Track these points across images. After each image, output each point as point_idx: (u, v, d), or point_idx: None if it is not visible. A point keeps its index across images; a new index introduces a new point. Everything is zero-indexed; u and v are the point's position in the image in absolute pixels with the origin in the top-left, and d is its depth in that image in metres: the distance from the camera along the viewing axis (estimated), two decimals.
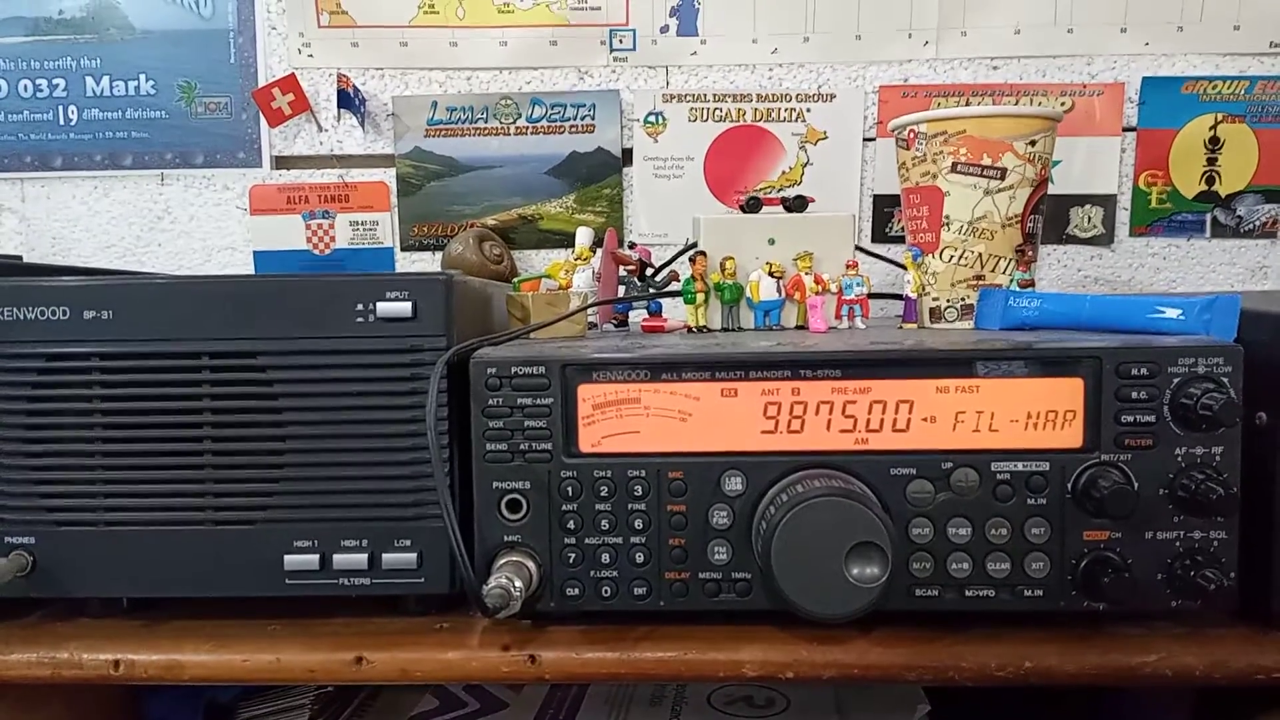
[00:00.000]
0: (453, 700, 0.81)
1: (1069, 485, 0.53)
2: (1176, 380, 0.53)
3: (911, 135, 0.72)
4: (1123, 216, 1.05)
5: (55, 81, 1.10)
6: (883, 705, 0.76)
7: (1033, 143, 0.69)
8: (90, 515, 0.58)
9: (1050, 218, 1.02)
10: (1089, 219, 1.05)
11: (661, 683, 0.79)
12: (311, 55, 1.08)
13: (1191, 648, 0.53)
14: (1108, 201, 1.05)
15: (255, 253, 1.12)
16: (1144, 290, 1.06)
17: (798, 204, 0.77)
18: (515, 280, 0.70)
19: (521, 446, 0.55)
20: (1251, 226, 1.04)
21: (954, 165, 0.70)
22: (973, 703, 0.72)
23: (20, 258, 1.03)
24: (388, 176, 1.10)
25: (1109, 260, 1.06)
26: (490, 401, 0.55)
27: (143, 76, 1.10)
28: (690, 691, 0.79)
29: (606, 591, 0.56)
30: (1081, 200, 1.05)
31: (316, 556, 0.57)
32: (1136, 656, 0.53)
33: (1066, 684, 0.54)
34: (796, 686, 0.77)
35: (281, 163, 1.11)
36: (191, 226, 1.12)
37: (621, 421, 0.55)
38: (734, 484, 0.55)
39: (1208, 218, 1.05)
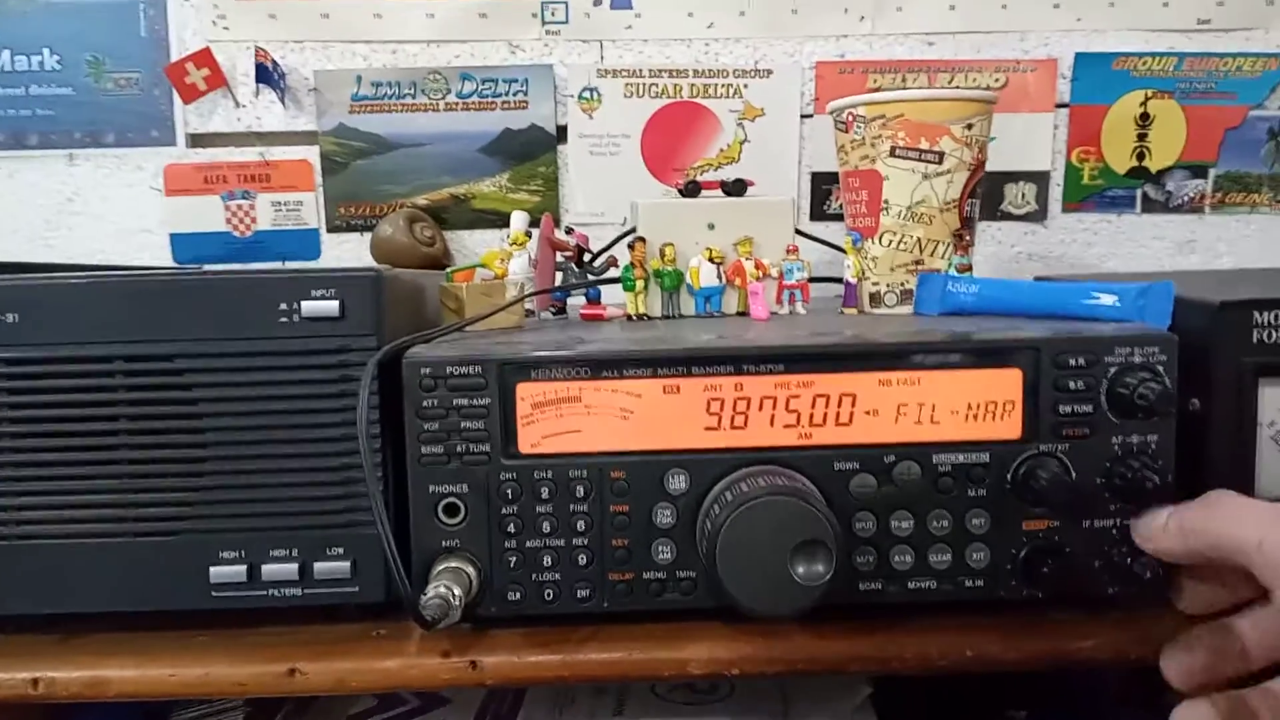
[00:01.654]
0: (392, 698, 0.79)
1: (1008, 476, 0.53)
2: (1113, 370, 0.53)
3: (850, 118, 0.71)
4: (1056, 192, 1.06)
5: None
6: (826, 687, 0.76)
7: (970, 126, 0.69)
8: (1, 529, 0.54)
9: (985, 194, 1.02)
10: (1022, 195, 1.06)
11: None
12: (227, 28, 1.03)
13: (1127, 633, 0.54)
14: (1041, 178, 1.06)
15: (172, 235, 1.07)
16: (1076, 265, 1.07)
17: (737, 188, 0.76)
18: (449, 270, 0.68)
19: (458, 448, 0.53)
20: (1180, 202, 1.06)
21: (892, 149, 0.69)
22: (914, 682, 0.73)
23: None
24: (311, 154, 1.06)
25: (1042, 236, 1.07)
26: (424, 403, 0.53)
27: (47, 51, 1.04)
28: (633, 682, 0.79)
29: (549, 595, 0.54)
30: (1015, 177, 1.05)
31: (244, 567, 0.54)
32: (1075, 642, 0.54)
33: (1008, 670, 0.55)
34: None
35: (197, 141, 1.06)
36: (104, 209, 1.07)
37: (562, 421, 0.54)
38: (677, 482, 0.54)
39: (1138, 193, 1.06)
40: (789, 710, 0.74)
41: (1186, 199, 1.06)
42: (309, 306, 0.53)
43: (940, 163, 0.68)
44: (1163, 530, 0.50)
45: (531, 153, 1.06)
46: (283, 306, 0.53)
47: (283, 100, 1.04)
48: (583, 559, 0.54)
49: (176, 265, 1.06)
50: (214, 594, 0.55)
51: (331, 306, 0.53)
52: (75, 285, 0.54)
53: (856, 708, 0.73)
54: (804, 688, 0.76)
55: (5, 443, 0.54)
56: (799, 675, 0.55)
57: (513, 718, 0.75)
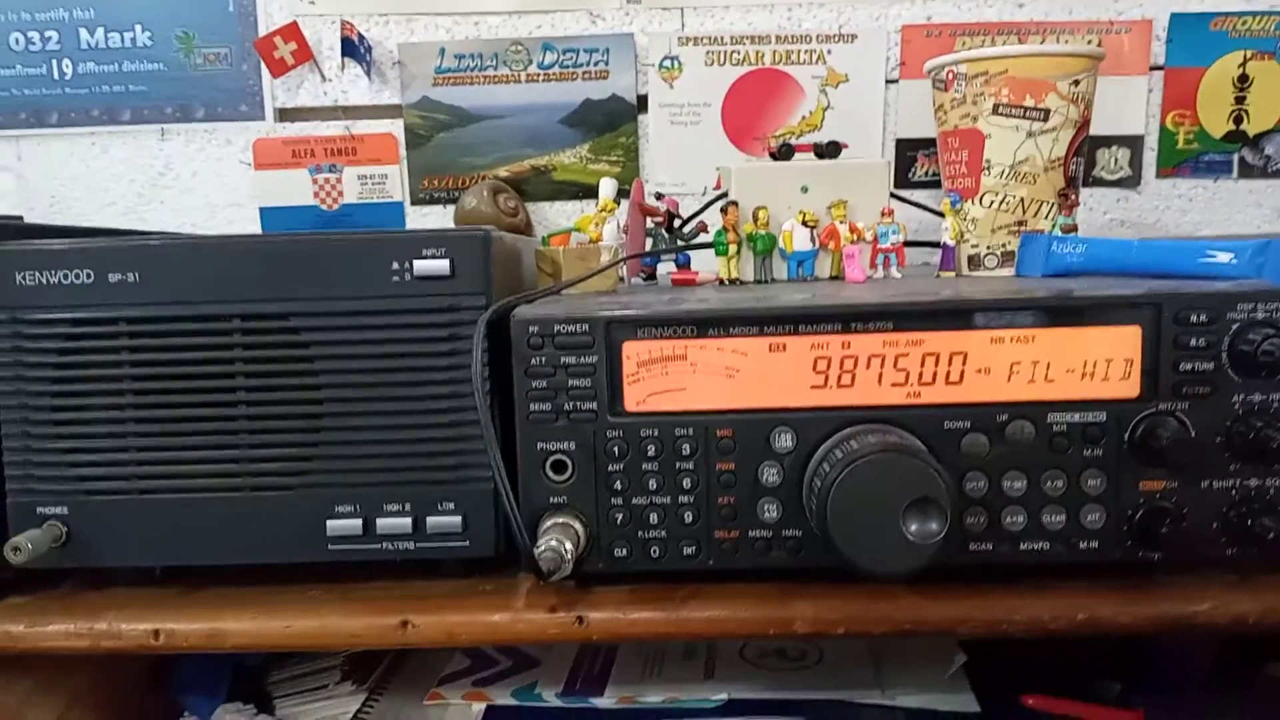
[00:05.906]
0: (484, 658, 0.80)
1: (1126, 435, 0.52)
2: (1235, 326, 0.52)
3: (950, 76, 0.70)
4: (1149, 158, 1.03)
5: (48, 34, 1.06)
6: (918, 654, 0.76)
7: (1076, 82, 0.67)
8: (123, 484, 0.56)
9: None
10: (1115, 160, 1.03)
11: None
12: (313, 2, 1.05)
13: (1244, 595, 0.53)
14: (1135, 143, 1.03)
15: (261, 209, 1.09)
16: (1170, 232, 1.04)
17: (831, 150, 0.75)
18: (545, 235, 0.69)
19: (565, 406, 0.54)
20: (1279, 166, 1.03)
21: (995, 107, 0.68)
22: (1007, 653, 0.72)
23: (20, 218, 1.00)
24: (395, 128, 1.07)
25: (1135, 202, 1.04)
26: (533, 361, 0.54)
27: (139, 27, 1.06)
28: (722, 646, 0.79)
29: (655, 552, 0.55)
30: (1108, 141, 1.03)
31: (359, 521, 0.56)
32: (1189, 606, 0.53)
33: (1119, 634, 0.54)
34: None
35: (285, 115, 1.08)
36: (194, 182, 1.09)
37: (667, 379, 0.54)
38: (784, 441, 0.53)
39: (1235, 158, 1.03)
40: (880, 677, 0.74)
41: None
42: (421, 266, 0.54)
43: (1046, 120, 0.67)
44: None
45: (612, 123, 1.05)
46: (395, 266, 0.54)
47: (368, 74, 1.05)
48: (689, 516, 0.54)
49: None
50: (330, 547, 0.56)
51: (442, 265, 0.54)
52: (194, 246, 0.56)
53: (950, 675, 0.72)
54: (896, 654, 0.76)
55: (126, 399, 0.56)
56: (905, 636, 0.55)
57: (603, 680, 0.76)
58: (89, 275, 0.54)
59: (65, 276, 0.54)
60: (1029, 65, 0.66)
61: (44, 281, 0.54)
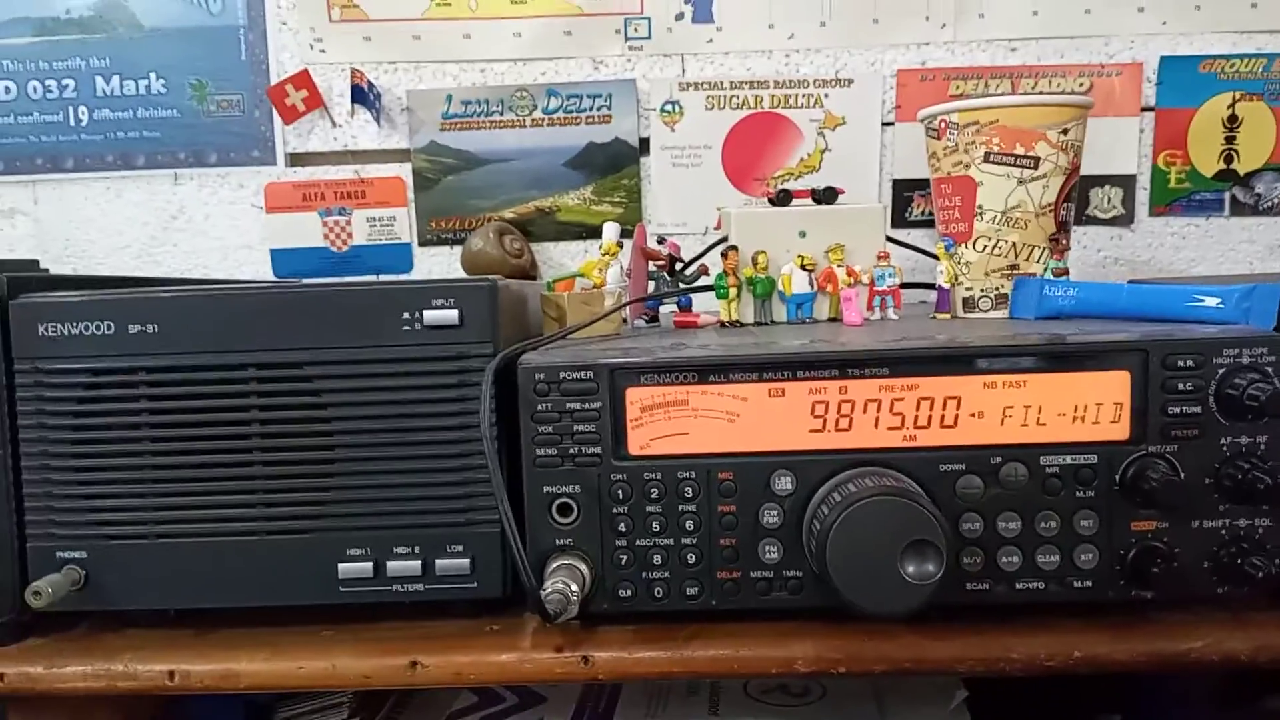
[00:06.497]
0: (491, 696, 0.81)
1: (1116, 477, 0.54)
2: (1222, 371, 0.53)
3: (943, 125, 0.72)
4: (1142, 196, 1.05)
5: (65, 82, 1.09)
6: (921, 691, 0.77)
7: (1065, 131, 0.69)
8: (141, 529, 0.58)
9: None
10: (1109, 199, 1.05)
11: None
12: (324, 50, 1.08)
13: (1236, 633, 0.54)
14: (1127, 182, 1.05)
15: (272, 251, 1.11)
16: (1164, 269, 1.06)
17: (828, 196, 0.77)
18: (549, 280, 0.71)
19: (571, 450, 0.55)
20: (1270, 204, 1.05)
21: (987, 155, 0.70)
22: (1008, 687, 0.73)
23: (37, 261, 1.02)
24: (404, 171, 1.10)
25: (1129, 240, 1.06)
26: (539, 407, 0.55)
27: (153, 75, 1.09)
28: (726, 682, 0.80)
29: (659, 592, 0.56)
30: (1101, 181, 1.05)
31: (370, 564, 0.57)
32: (1183, 643, 0.54)
33: (1114, 671, 0.55)
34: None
35: (296, 160, 1.10)
36: (207, 226, 1.12)
37: (670, 423, 0.55)
38: (784, 483, 0.55)
39: (1226, 196, 1.05)
40: (883, 712, 0.75)
41: (1276, 201, 1.05)
42: (430, 315, 0.56)
43: (1036, 168, 0.69)
44: None
45: (615, 165, 1.08)
46: (405, 315, 0.56)
47: (377, 120, 1.08)
48: (692, 558, 0.56)
49: (276, 279, 1.11)
50: (341, 589, 0.57)
51: (451, 315, 0.56)
52: (211, 297, 0.57)
53: (952, 711, 0.73)
54: (899, 690, 0.77)
55: (145, 446, 0.57)
56: (905, 675, 0.56)
57: (608, 717, 0.77)
58: (109, 326, 0.56)
59: (86, 328, 0.56)
60: (1019, 115, 0.68)
61: (65, 333, 0.56)
